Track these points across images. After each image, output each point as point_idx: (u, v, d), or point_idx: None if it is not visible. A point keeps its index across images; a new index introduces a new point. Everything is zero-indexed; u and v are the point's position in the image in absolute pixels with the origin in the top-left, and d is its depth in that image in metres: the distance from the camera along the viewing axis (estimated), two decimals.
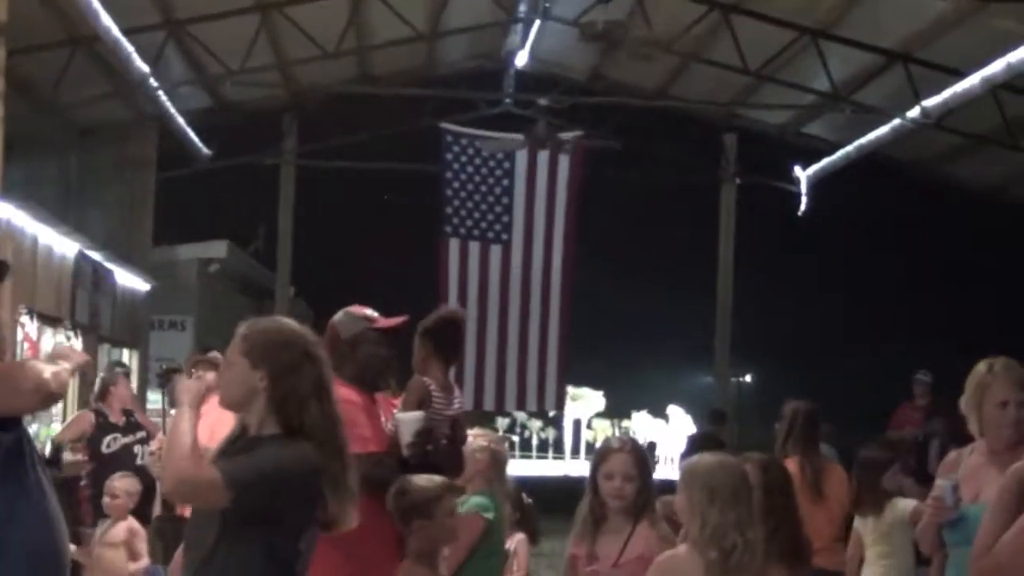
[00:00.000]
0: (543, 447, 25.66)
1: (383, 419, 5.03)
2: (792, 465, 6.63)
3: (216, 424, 8.76)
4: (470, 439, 6.01)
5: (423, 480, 4.70)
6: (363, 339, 4.89)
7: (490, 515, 6.09)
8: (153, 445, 8.47)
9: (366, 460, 4.60)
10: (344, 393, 4.60)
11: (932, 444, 11.29)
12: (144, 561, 7.52)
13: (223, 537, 3.32)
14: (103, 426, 8.82)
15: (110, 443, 8.81)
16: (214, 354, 9.30)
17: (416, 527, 4.59)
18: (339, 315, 5.03)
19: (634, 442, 5.19)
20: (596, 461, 4.73)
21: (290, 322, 3.67)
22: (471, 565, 5.73)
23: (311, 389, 3.41)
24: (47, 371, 3.69)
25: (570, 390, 19.02)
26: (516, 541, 7.09)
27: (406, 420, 4.93)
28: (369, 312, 4.98)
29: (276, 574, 3.41)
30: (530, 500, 7.23)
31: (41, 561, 3.74)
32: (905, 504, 6.60)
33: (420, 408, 5.14)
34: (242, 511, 3.25)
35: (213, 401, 8.84)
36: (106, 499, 7.60)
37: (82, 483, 8.61)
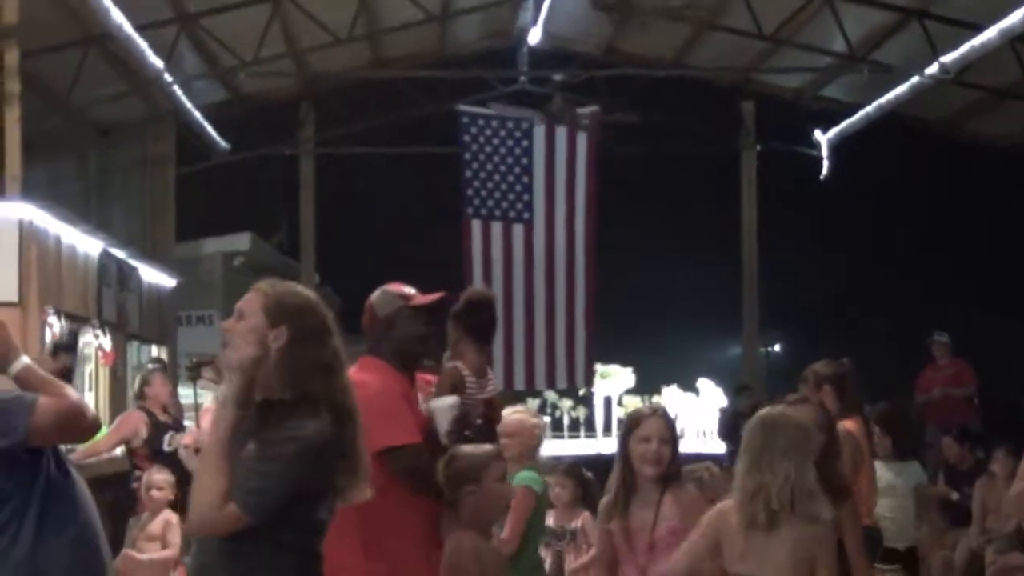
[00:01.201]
0: (574, 426, 25.59)
1: (420, 398, 4.99)
2: (854, 426, 6.55)
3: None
4: (510, 414, 6.00)
5: (471, 448, 4.71)
6: (399, 317, 4.80)
7: (539, 489, 6.17)
8: (187, 439, 8.61)
9: (410, 452, 4.64)
10: (381, 379, 4.66)
11: None
12: (172, 550, 7.62)
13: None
14: (158, 425, 8.94)
15: (170, 440, 8.90)
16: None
17: (466, 493, 4.58)
18: (376, 293, 4.95)
19: (664, 408, 5.28)
20: (628, 428, 4.78)
21: (311, 292, 3.66)
22: (525, 537, 5.81)
23: (330, 358, 3.40)
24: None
25: (599, 368, 19.03)
26: (583, 518, 7.17)
27: (441, 408, 4.87)
28: (406, 290, 4.89)
29: (293, 552, 3.43)
30: (591, 475, 7.31)
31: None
32: None
33: (453, 393, 5.11)
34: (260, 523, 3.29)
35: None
36: (153, 492, 7.79)
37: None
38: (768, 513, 4.03)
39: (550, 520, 7.25)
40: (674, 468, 4.67)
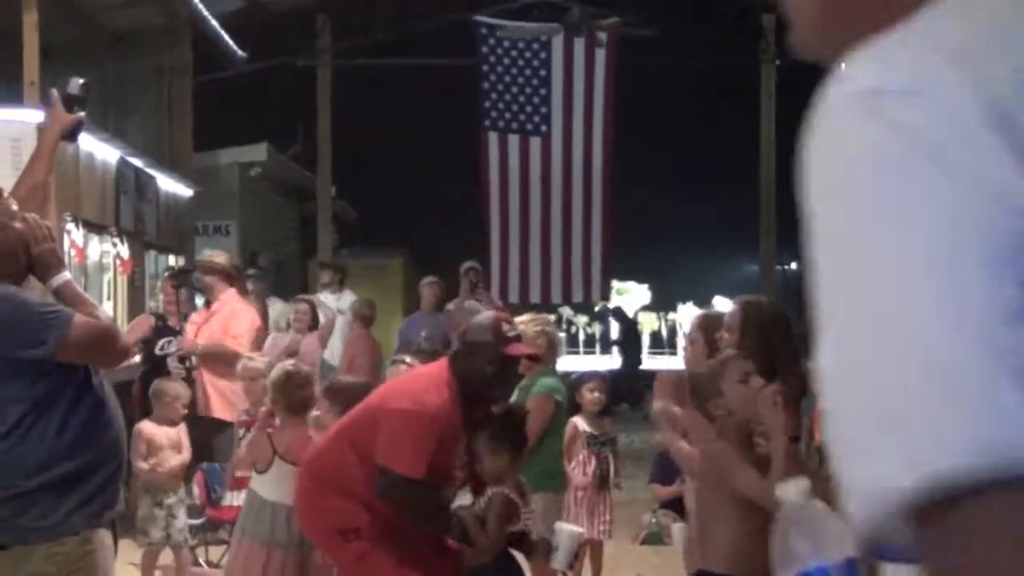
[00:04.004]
0: (590, 342, 26.04)
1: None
2: None
3: (229, 319, 8.93)
4: (522, 325, 5.90)
5: None
6: (482, 351, 4.85)
7: (559, 396, 6.29)
8: (173, 347, 8.95)
9: (399, 480, 4.68)
10: (437, 407, 4.68)
11: None
12: (187, 455, 7.82)
13: None
14: (161, 330, 9.15)
15: (163, 346, 9.10)
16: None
17: None
18: (481, 315, 5.23)
19: None
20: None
21: None
22: (542, 443, 5.95)
23: None
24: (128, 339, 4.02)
25: (615, 284, 19.22)
26: None
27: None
28: (504, 328, 4.92)
29: None
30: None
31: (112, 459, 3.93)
32: None
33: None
34: None
35: (224, 297, 9.19)
36: (177, 404, 7.90)
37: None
38: None
39: (584, 426, 7.46)
40: None
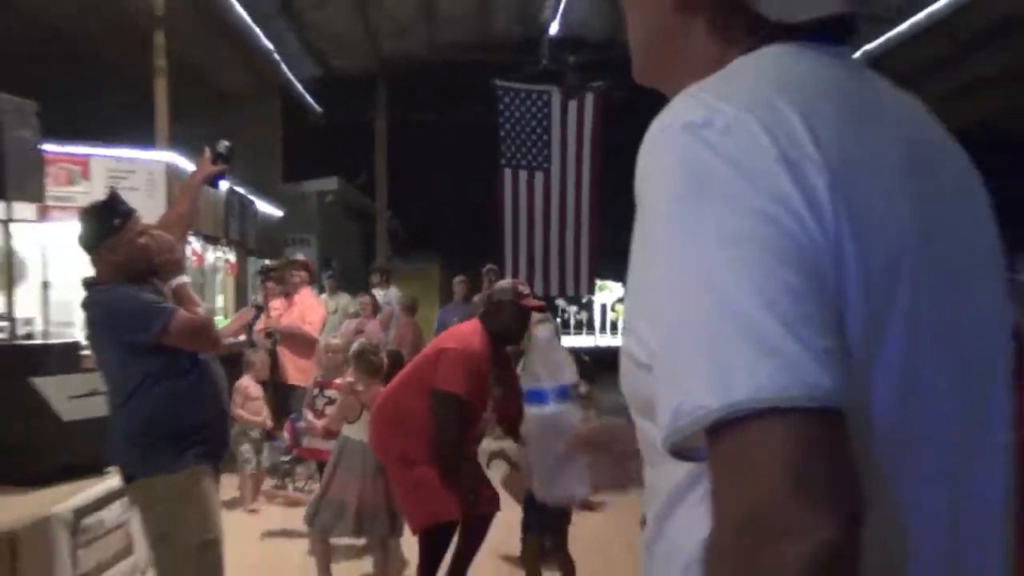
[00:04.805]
0: (578, 326, 25.91)
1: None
2: None
3: (306, 310, 8.95)
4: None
5: None
6: (503, 310, 4.93)
7: None
8: (259, 325, 8.78)
9: (446, 398, 4.71)
10: (478, 348, 4.82)
11: None
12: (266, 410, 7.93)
13: None
14: (259, 313, 9.05)
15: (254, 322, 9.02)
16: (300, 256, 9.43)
17: None
18: (501, 282, 5.21)
19: None
20: None
21: None
22: None
23: None
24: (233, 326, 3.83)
25: (599, 282, 18.97)
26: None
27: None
28: (521, 288, 5.02)
29: None
30: (587, 358, 7.52)
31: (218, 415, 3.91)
32: None
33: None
34: None
35: (304, 292, 8.87)
36: (256, 365, 7.98)
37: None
38: None
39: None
40: None
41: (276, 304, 8.93)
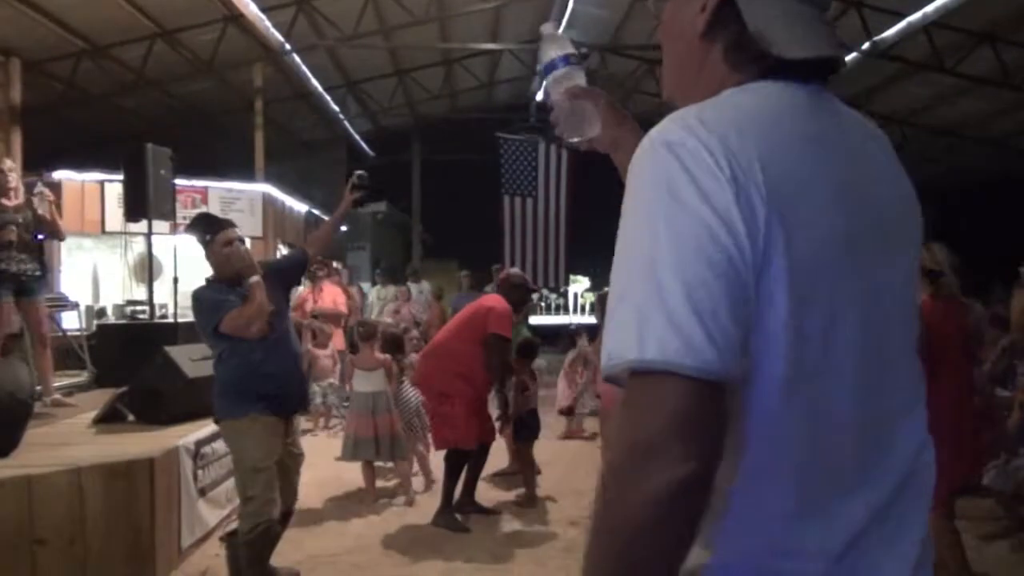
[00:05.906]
0: (556, 308, 25.91)
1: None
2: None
3: (336, 295, 8.59)
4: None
5: None
6: (518, 288, 4.99)
7: (526, 333, 6.21)
8: (306, 307, 8.05)
9: (501, 340, 4.65)
10: (506, 308, 4.81)
11: None
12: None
13: None
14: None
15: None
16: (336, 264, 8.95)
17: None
18: (513, 269, 5.39)
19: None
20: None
21: None
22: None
23: None
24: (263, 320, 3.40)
25: (571, 276, 18.88)
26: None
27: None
28: (528, 278, 5.19)
29: None
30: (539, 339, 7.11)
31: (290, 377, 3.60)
32: None
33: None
34: None
35: (331, 282, 8.29)
36: (322, 333, 7.73)
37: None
38: None
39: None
40: None
41: (303, 293, 8.25)
